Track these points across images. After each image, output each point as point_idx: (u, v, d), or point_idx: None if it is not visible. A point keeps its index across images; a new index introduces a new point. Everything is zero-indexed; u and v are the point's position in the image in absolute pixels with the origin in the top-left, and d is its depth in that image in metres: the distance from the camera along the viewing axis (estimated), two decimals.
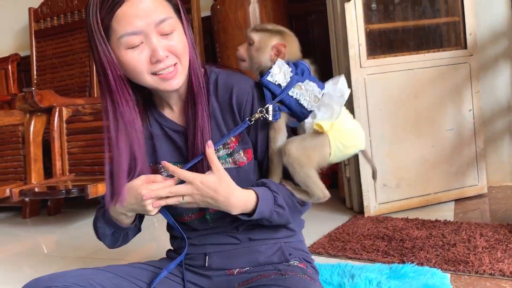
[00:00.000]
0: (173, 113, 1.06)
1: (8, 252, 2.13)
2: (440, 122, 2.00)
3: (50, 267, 1.81)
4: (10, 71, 3.75)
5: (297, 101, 0.96)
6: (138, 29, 0.89)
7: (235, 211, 0.93)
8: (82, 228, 2.40)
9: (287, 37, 1.02)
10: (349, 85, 1.90)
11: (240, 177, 1.00)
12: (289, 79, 0.97)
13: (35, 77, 3.55)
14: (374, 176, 1.13)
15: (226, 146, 1.02)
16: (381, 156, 1.95)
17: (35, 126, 2.80)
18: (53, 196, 2.28)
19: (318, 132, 0.98)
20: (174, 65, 0.94)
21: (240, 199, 0.92)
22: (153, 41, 0.90)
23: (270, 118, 0.96)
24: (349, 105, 1.98)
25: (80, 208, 2.89)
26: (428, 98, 1.98)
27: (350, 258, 1.52)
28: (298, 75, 0.98)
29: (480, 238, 1.53)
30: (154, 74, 0.93)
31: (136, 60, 0.92)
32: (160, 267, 1.12)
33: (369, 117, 1.92)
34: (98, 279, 1.04)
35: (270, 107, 0.95)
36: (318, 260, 1.47)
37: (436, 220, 1.78)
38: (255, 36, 1.01)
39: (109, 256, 1.78)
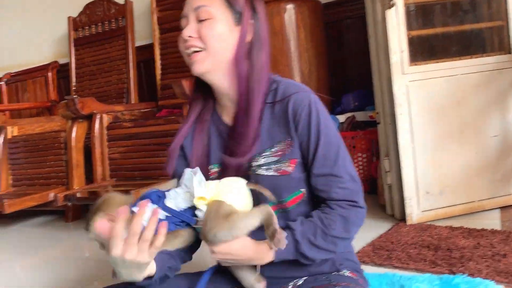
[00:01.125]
0: (223, 113, 1.10)
1: (51, 255, 2.20)
2: (484, 128, 1.97)
3: (92, 270, 1.87)
4: (50, 78, 3.87)
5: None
6: (184, 13, 1.02)
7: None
8: None
9: (105, 206, 0.92)
10: (391, 92, 1.91)
11: (280, 185, 1.02)
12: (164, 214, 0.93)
13: (73, 83, 3.66)
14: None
15: (273, 154, 1.03)
16: (424, 164, 1.93)
17: (76, 132, 2.88)
18: None
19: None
20: (200, 50, 1.00)
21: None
22: (188, 22, 1.01)
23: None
24: (391, 112, 1.97)
25: None
26: (471, 104, 1.95)
27: (397, 267, 1.51)
28: (157, 202, 0.93)
29: None
30: (188, 56, 1.02)
31: (179, 39, 1.03)
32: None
33: (412, 124, 1.91)
34: None
35: None
36: (363, 269, 1.47)
37: (483, 229, 1.75)
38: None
39: None
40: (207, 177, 1.07)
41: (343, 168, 1.02)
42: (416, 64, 1.92)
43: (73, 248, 2.30)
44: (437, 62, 1.94)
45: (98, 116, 2.85)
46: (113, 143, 2.83)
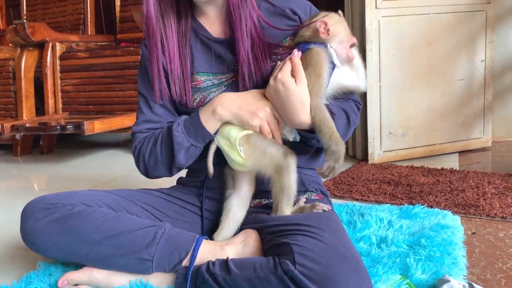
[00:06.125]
0: (208, 23, 1.04)
1: None
2: (452, 71, 1.95)
3: None
4: None
5: None
6: None
7: (298, 121, 0.93)
8: (76, 168, 2.34)
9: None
10: (363, 27, 1.85)
11: None
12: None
13: (25, 12, 3.38)
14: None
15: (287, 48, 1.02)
16: (390, 104, 1.90)
17: (26, 61, 2.68)
18: (47, 131, 2.20)
19: None
20: None
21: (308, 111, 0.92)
22: None
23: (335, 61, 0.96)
24: (360, 49, 1.91)
25: (74, 148, 2.82)
26: (441, 46, 1.92)
27: (357, 199, 1.49)
28: None
29: (488, 185, 1.52)
30: None
31: None
32: (171, 194, 1.08)
33: (381, 62, 1.86)
34: (105, 200, 1.00)
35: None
36: None
37: (442, 169, 1.76)
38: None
39: None
40: (193, 86, 1.02)
41: None
42: None
43: (22, 182, 2.17)
44: None
45: (50, 44, 2.65)
46: (66, 74, 2.65)
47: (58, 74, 2.65)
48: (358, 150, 2.02)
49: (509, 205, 1.33)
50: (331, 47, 0.95)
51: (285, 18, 1.03)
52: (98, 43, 2.91)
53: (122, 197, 1.03)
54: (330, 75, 0.96)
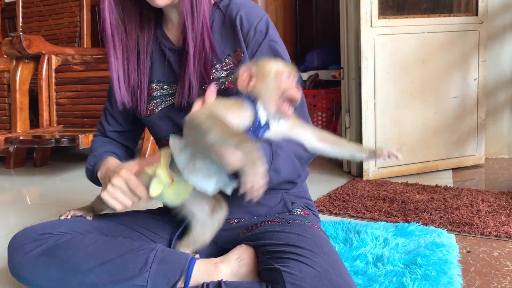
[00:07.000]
0: (172, 31, 1.04)
1: None
2: (445, 89, 1.98)
3: (35, 216, 1.75)
4: None
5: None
6: None
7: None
8: (69, 181, 2.33)
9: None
10: (358, 45, 1.87)
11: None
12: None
13: (20, 24, 3.39)
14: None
15: (225, 67, 0.98)
16: (384, 120, 1.92)
17: (21, 74, 2.67)
18: (41, 145, 2.19)
19: None
20: None
21: None
22: None
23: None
24: (356, 66, 1.94)
25: (68, 161, 2.80)
26: (435, 64, 1.95)
27: (352, 216, 1.49)
28: None
29: (482, 203, 1.53)
30: None
31: None
32: (159, 214, 1.07)
33: (376, 79, 1.88)
34: (95, 225, 0.99)
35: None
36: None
37: (437, 186, 1.77)
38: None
39: None
40: (149, 95, 1.03)
41: None
42: (385, 18, 1.88)
43: (14, 195, 2.14)
44: (406, 18, 1.91)
45: (46, 57, 2.65)
46: (61, 87, 2.64)
47: (53, 87, 2.65)
48: (353, 166, 2.03)
49: (502, 224, 1.34)
50: (259, 105, 0.82)
51: (233, 31, 0.96)
52: (94, 56, 2.91)
53: (113, 221, 1.02)
54: (262, 134, 0.85)
